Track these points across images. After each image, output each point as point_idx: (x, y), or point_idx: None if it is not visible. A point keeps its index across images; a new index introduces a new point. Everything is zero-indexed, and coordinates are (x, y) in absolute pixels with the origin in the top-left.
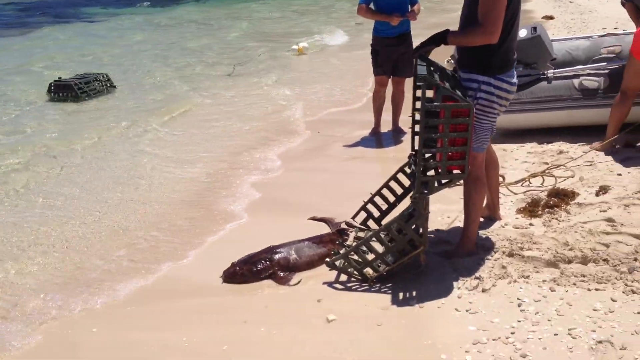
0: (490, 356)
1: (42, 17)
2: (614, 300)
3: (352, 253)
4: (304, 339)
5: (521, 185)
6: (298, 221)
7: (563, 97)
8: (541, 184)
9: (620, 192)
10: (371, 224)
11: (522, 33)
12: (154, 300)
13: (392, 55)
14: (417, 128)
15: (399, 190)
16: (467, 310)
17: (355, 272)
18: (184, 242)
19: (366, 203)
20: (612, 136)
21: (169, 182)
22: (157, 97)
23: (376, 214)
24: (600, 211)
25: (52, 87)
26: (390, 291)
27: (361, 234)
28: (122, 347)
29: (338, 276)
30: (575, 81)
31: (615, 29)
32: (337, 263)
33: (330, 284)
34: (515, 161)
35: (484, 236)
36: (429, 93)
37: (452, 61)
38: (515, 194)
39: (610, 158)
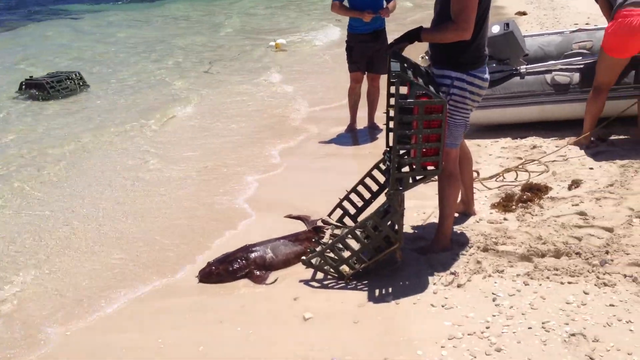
0: (466, 351)
1: (29, 14)
2: (586, 293)
3: (328, 251)
4: (280, 338)
5: (495, 181)
6: (274, 219)
7: (536, 92)
8: (515, 178)
9: (592, 186)
10: (347, 221)
11: (495, 29)
12: (128, 302)
13: (367, 51)
14: (391, 124)
15: (375, 187)
16: (442, 306)
17: (331, 270)
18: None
19: (342, 200)
20: (588, 131)
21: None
22: (132, 98)
23: (352, 211)
24: (573, 205)
25: (24, 86)
26: (366, 288)
27: (337, 232)
28: (97, 350)
29: (314, 274)
30: (548, 76)
31: (587, 24)
32: (313, 261)
33: (306, 282)
34: (490, 156)
35: (458, 232)
36: (403, 89)
37: (427, 57)
38: (490, 189)
39: (582, 152)
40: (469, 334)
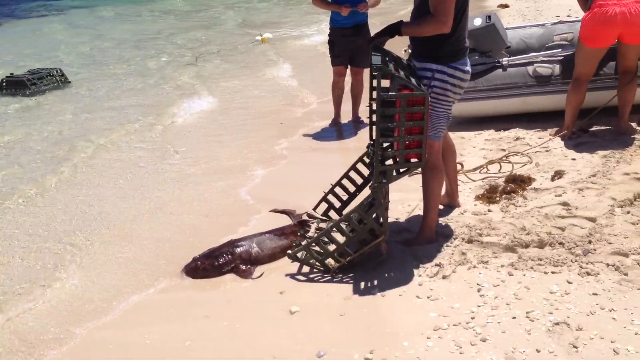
0: (451, 341)
1: (27, 5)
2: (569, 283)
3: (314, 244)
4: (267, 332)
5: (479, 172)
6: (260, 214)
7: (518, 84)
8: (498, 170)
9: (575, 176)
10: (332, 214)
11: (477, 22)
12: (113, 297)
13: (348, 45)
14: (374, 118)
15: (359, 180)
16: (428, 297)
17: (317, 263)
18: None
19: (327, 194)
20: (570, 122)
21: None
22: (132, 93)
23: (337, 204)
24: (556, 196)
25: (4, 83)
26: (352, 281)
27: (323, 225)
28: (82, 346)
29: (300, 268)
30: (529, 68)
31: (568, 16)
32: (299, 255)
33: (292, 276)
34: (473, 148)
35: (443, 223)
36: (385, 82)
37: (410, 50)
38: (474, 180)
39: (564, 143)
40: (454, 325)
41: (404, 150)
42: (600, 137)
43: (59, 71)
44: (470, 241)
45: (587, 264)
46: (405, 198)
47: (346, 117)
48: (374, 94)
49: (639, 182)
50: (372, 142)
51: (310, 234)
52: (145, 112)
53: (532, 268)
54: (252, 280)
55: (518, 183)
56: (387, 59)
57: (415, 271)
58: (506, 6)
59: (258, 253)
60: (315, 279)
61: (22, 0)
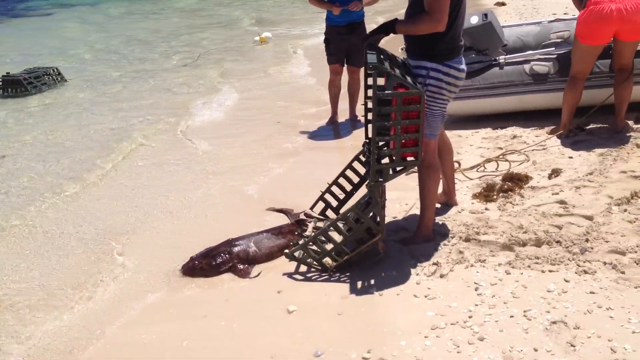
0: (449, 340)
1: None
2: (567, 281)
3: (311, 243)
4: (264, 331)
5: (476, 171)
6: (257, 213)
7: (515, 82)
8: (496, 168)
9: (572, 174)
10: (330, 213)
11: (474, 20)
12: (112, 297)
13: (343, 44)
14: (370, 116)
15: (356, 179)
16: (425, 296)
17: (314, 263)
18: None
19: (324, 193)
20: (567, 121)
21: None
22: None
23: (334, 203)
24: (553, 194)
25: (1, 83)
26: (349, 280)
27: (320, 224)
28: (76, 346)
29: (298, 267)
30: (526, 66)
31: (565, 14)
32: (296, 254)
33: (290, 275)
34: (471, 147)
35: (440, 222)
36: (381, 81)
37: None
38: (471, 179)
39: (561, 142)
40: (451, 324)
41: (400, 149)
42: (597, 135)
43: (55, 70)
44: (467, 240)
45: (584, 262)
46: (402, 197)
47: (343, 115)
48: (369, 92)
49: (636, 180)
50: (367, 141)
51: (307, 233)
52: (172, 112)
53: (529, 266)
54: (250, 280)
55: (515, 181)
56: (382, 57)
57: (413, 270)
58: (503, 4)
59: (255, 252)
60: (313, 278)
61: None
